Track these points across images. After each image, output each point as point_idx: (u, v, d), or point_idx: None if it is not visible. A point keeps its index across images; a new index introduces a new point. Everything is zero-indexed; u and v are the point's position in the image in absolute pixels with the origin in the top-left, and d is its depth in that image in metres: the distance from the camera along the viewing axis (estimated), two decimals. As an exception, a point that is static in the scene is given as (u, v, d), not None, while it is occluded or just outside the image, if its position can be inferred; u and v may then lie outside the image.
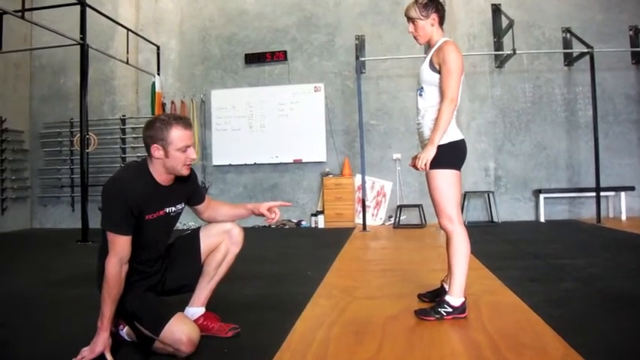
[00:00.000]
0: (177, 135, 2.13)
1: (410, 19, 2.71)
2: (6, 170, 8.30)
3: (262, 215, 2.51)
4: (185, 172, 2.22)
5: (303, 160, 8.20)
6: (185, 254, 2.44)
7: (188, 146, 2.16)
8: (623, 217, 7.31)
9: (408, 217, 7.79)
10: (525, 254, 4.75)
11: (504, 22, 7.24)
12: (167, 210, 2.29)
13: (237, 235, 2.45)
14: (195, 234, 2.47)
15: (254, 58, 8.39)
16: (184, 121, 2.18)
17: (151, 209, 2.20)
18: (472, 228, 5.45)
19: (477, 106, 7.87)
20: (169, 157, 2.15)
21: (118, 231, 2.08)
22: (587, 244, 5.26)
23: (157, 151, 2.14)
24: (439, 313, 2.56)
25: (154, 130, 2.14)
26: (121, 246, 2.08)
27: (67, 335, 2.48)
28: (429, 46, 2.76)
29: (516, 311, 2.71)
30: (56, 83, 8.87)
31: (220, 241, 2.43)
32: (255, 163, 8.31)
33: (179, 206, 2.37)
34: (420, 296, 2.99)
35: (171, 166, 2.18)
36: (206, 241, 2.44)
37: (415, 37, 2.76)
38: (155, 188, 2.21)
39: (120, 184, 2.11)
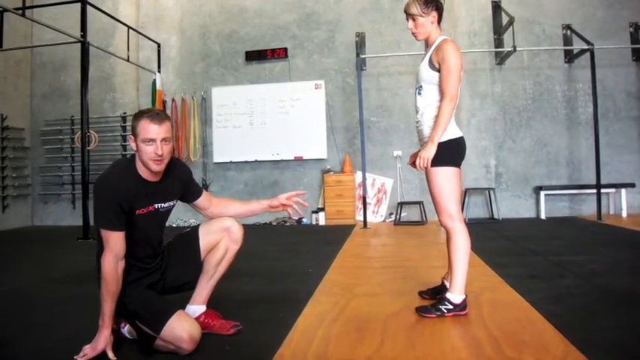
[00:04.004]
0: (142, 126, 2.14)
1: (410, 16, 2.70)
2: (7, 168, 8.30)
3: (280, 208, 2.53)
4: (153, 166, 2.17)
5: (304, 157, 8.20)
6: (185, 252, 2.44)
7: (153, 140, 2.12)
8: (624, 214, 7.30)
9: (408, 214, 7.79)
10: (526, 251, 4.75)
11: (504, 19, 7.23)
12: (156, 206, 2.30)
13: (237, 232, 2.44)
14: (194, 231, 2.47)
15: (254, 56, 8.38)
16: (152, 115, 2.16)
17: (140, 204, 2.21)
18: (473, 225, 5.44)
19: (477, 103, 7.86)
20: (139, 150, 2.17)
21: (111, 227, 2.10)
22: (588, 241, 5.26)
23: (132, 143, 2.19)
24: (440, 310, 2.56)
25: (132, 122, 2.20)
26: (114, 242, 2.10)
27: (68, 333, 2.49)
28: (427, 44, 2.77)
29: (517, 308, 2.71)
30: (57, 81, 8.87)
31: (220, 238, 2.43)
32: (255, 160, 8.31)
33: (170, 203, 2.37)
34: (421, 293, 3.00)
35: (142, 159, 2.18)
36: (205, 238, 2.43)
37: (414, 34, 2.75)
38: (143, 184, 2.22)
39: (108, 181, 2.14)
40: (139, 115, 2.17)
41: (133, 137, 2.19)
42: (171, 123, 2.25)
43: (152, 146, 2.13)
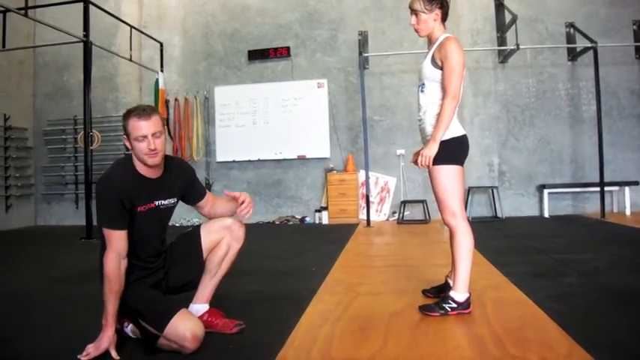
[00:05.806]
0: (131, 125, 2.16)
1: (413, 12, 2.70)
2: (10, 168, 8.32)
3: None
4: (149, 160, 2.19)
5: (307, 156, 8.19)
6: (187, 251, 2.45)
7: (144, 136, 2.14)
8: (628, 212, 7.28)
9: (411, 212, 7.78)
10: (529, 249, 4.74)
11: (507, 17, 7.21)
12: (157, 203, 2.30)
13: (238, 230, 2.45)
14: (196, 231, 2.48)
15: (257, 55, 8.38)
16: (139, 112, 2.17)
17: (141, 201, 2.22)
18: (476, 223, 5.44)
19: (480, 102, 7.84)
20: (133, 148, 2.19)
21: (113, 226, 2.12)
22: (592, 239, 5.25)
23: (127, 143, 2.22)
24: (443, 308, 2.56)
25: (123, 123, 2.21)
26: (117, 241, 2.12)
27: (71, 332, 2.50)
28: (430, 42, 2.76)
29: (521, 306, 2.71)
30: (60, 81, 8.88)
31: (221, 237, 2.43)
32: (259, 160, 8.30)
33: (171, 201, 2.37)
34: (425, 292, 2.99)
35: (138, 156, 2.20)
36: (207, 237, 2.44)
37: (416, 30, 2.75)
38: (142, 180, 2.24)
39: (110, 180, 2.18)
40: (127, 114, 2.19)
41: (125, 137, 2.21)
42: (160, 116, 2.25)
43: (144, 142, 2.15)
